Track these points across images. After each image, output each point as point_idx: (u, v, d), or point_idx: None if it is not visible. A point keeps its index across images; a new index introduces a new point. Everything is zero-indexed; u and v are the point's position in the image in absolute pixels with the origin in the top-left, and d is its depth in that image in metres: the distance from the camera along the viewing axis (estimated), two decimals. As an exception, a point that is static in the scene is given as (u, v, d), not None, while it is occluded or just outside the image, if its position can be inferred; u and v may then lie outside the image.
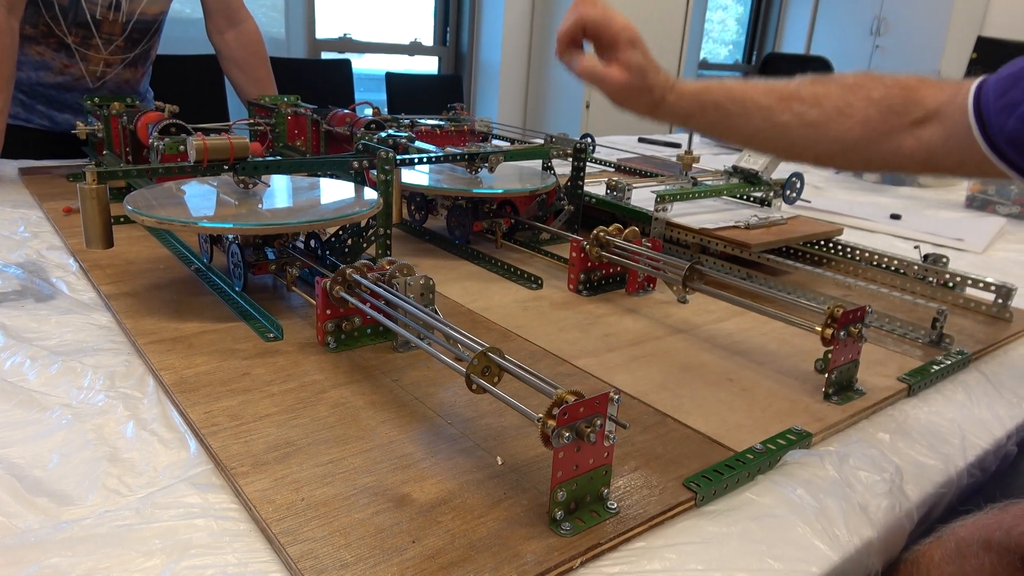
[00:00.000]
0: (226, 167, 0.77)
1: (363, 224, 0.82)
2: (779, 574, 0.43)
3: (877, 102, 0.63)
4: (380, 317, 0.63)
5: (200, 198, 0.79)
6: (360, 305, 0.64)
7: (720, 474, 0.50)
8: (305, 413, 0.56)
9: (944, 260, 0.93)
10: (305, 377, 0.61)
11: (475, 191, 0.97)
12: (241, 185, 0.80)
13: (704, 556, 0.44)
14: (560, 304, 0.82)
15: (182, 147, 0.89)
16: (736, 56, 5.05)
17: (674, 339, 0.74)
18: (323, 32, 3.26)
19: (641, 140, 2.26)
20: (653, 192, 1.01)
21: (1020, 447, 0.65)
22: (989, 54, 2.66)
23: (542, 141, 1.26)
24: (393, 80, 2.92)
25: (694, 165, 1.29)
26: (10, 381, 0.59)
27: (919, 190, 1.74)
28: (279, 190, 0.84)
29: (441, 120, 1.46)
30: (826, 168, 0.93)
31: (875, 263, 0.98)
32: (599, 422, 0.43)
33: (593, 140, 1.45)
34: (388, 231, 0.82)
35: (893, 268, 0.96)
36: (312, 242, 0.83)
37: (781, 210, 1.10)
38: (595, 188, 1.14)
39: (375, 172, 0.82)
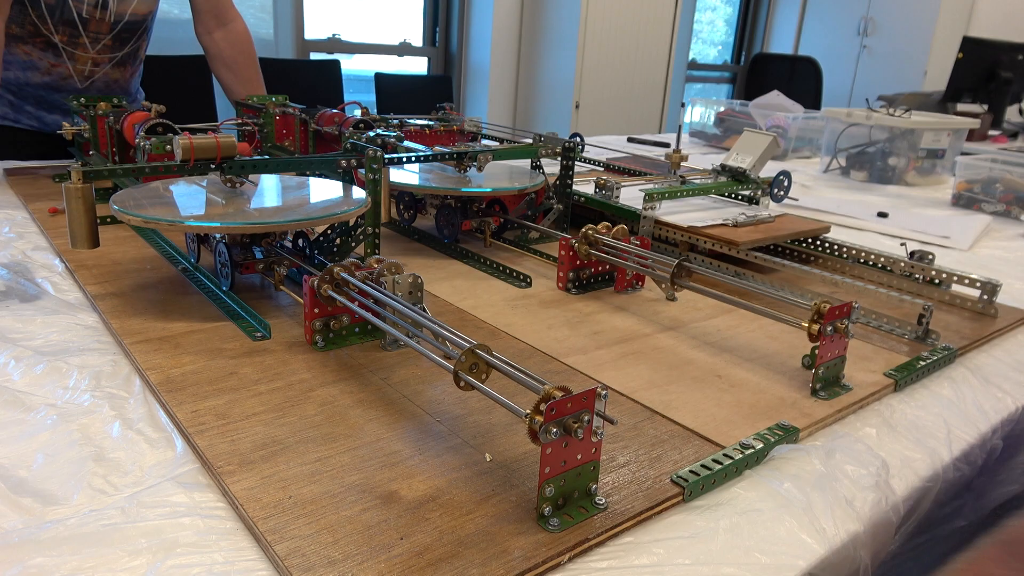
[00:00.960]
0: (213, 166, 0.77)
1: (351, 223, 0.81)
2: (766, 568, 0.43)
3: None
4: (368, 315, 0.63)
5: (187, 197, 0.79)
6: (348, 304, 0.64)
7: (708, 469, 0.50)
8: (292, 412, 0.56)
9: (930, 257, 0.93)
10: (293, 376, 0.61)
11: (464, 190, 0.97)
12: (228, 184, 0.80)
13: (692, 551, 0.44)
14: (549, 302, 0.82)
15: (169, 146, 0.89)
16: (725, 57, 5.07)
17: (663, 336, 0.74)
18: (312, 33, 3.25)
19: (630, 140, 2.27)
20: (642, 191, 1.02)
21: (1005, 441, 0.65)
22: (975, 54, 2.68)
23: (531, 141, 1.26)
24: (382, 81, 2.92)
25: (682, 164, 1.30)
26: (-6, 381, 0.59)
27: (906, 188, 1.75)
28: (267, 189, 0.84)
29: (430, 120, 1.46)
30: None
31: (862, 260, 0.99)
32: (586, 418, 0.43)
33: (582, 139, 1.45)
34: (376, 230, 0.82)
35: (880, 265, 0.97)
36: (300, 241, 0.83)
37: (769, 208, 1.11)
38: (584, 187, 1.14)
39: (363, 171, 0.82)
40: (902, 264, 0.94)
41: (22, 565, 0.40)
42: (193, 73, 2.21)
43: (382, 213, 0.82)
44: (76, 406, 0.56)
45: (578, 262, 0.85)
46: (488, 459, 0.51)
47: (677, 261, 0.75)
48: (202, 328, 0.70)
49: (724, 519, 0.47)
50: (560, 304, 0.82)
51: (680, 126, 1.31)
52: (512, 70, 3.68)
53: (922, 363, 0.71)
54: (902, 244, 0.99)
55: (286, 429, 0.53)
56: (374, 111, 1.82)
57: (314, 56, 3.26)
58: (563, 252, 0.85)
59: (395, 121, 1.34)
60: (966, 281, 0.89)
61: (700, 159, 1.88)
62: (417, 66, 3.75)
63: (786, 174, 1.14)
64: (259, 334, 0.69)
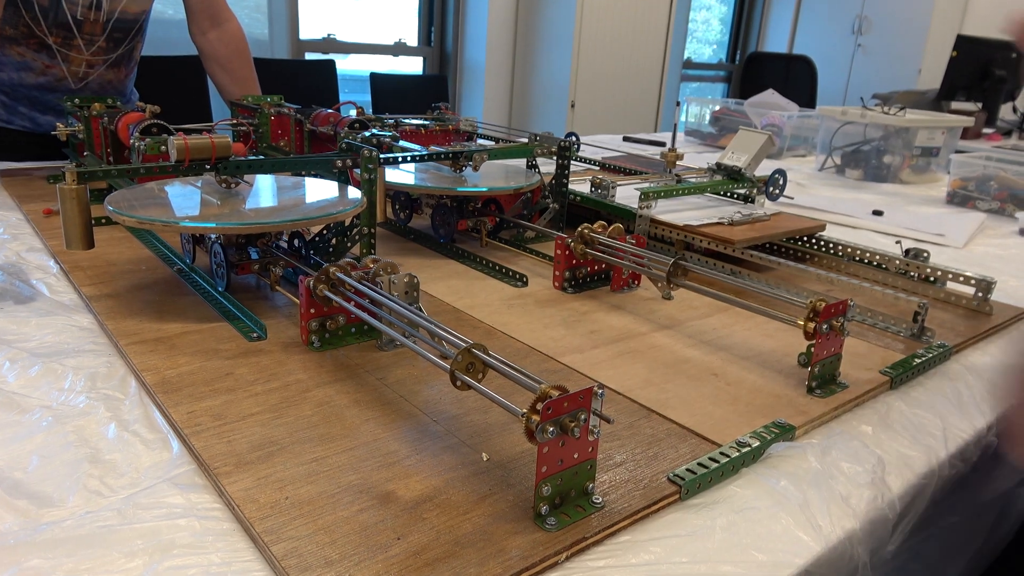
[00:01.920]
0: (208, 167, 0.77)
1: (347, 223, 0.81)
2: (763, 566, 0.43)
3: None
4: (364, 316, 0.62)
5: (182, 198, 0.79)
6: (344, 304, 0.64)
7: (704, 467, 0.51)
8: (289, 412, 0.55)
9: (925, 255, 0.93)
10: (289, 376, 0.61)
11: (460, 189, 0.97)
12: (224, 185, 0.79)
13: (689, 549, 0.44)
14: (545, 301, 0.82)
15: (163, 147, 0.89)
16: (720, 55, 5.08)
17: (659, 335, 0.75)
18: (307, 33, 3.25)
19: (626, 139, 2.27)
20: (637, 189, 1.02)
21: (1000, 438, 0.65)
22: (969, 52, 2.68)
23: (527, 140, 1.26)
24: (378, 80, 2.92)
25: (678, 162, 1.30)
26: (-11, 383, 0.59)
27: (901, 187, 1.76)
28: (262, 189, 0.84)
29: (426, 120, 1.46)
30: None
31: (857, 258, 0.99)
32: (583, 417, 0.43)
33: (578, 139, 1.45)
34: (372, 230, 0.82)
35: (875, 263, 0.97)
36: (296, 241, 0.83)
37: (764, 207, 1.11)
38: (580, 186, 1.14)
39: (359, 171, 0.82)
40: (897, 262, 0.94)
41: (18, 567, 0.40)
42: (188, 73, 2.21)
43: (378, 213, 0.82)
44: (71, 408, 0.56)
45: (574, 261, 0.85)
46: (485, 459, 0.50)
47: (673, 260, 0.75)
48: (198, 329, 0.69)
49: (721, 517, 0.47)
50: (556, 303, 0.82)
51: (676, 125, 1.31)
52: (507, 69, 3.68)
53: (918, 360, 0.71)
54: (897, 242, 0.99)
55: (282, 430, 0.53)
56: (370, 111, 1.82)
57: (309, 56, 3.25)
58: (559, 251, 0.85)
59: (390, 121, 1.34)
60: (961, 279, 0.89)
61: (695, 158, 1.88)
62: (412, 66, 3.74)
63: (781, 172, 1.14)
64: (255, 335, 0.68)
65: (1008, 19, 0.65)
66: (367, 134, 1.00)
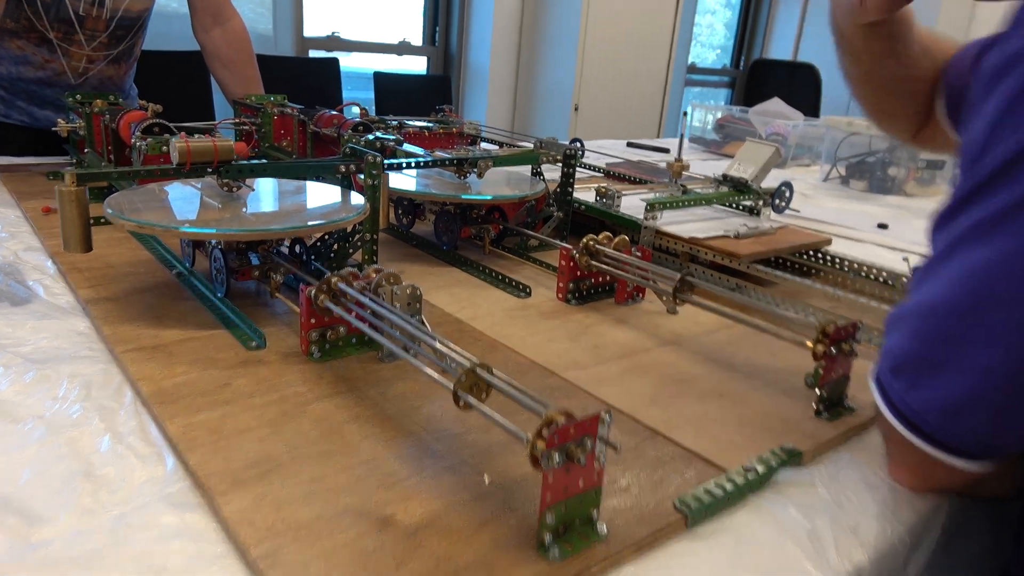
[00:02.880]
0: (209, 170, 0.76)
1: (349, 230, 0.80)
2: (771, 600, 0.42)
3: None
4: (365, 328, 0.61)
5: (183, 201, 0.77)
6: (345, 315, 0.63)
7: (711, 495, 0.49)
8: (287, 427, 0.54)
9: (933, 273, 0.92)
10: (288, 389, 0.60)
11: (464, 197, 0.95)
12: (225, 188, 0.78)
13: (695, 581, 0.43)
14: (549, 313, 0.81)
15: (165, 148, 0.88)
16: (724, 61, 5.07)
17: (664, 351, 0.73)
18: (311, 30, 3.23)
19: (630, 144, 2.26)
20: (643, 200, 1.01)
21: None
22: (975, 64, 2.67)
23: (531, 144, 1.25)
24: (381, 80, 2.91)
25: (683, 172, 1.29)
26: (-18, 390, 0.57)
27: (906, 199, 1.75)
28: (264, 193, 0.83)
29: (429, 122, 1.45)
30: None
31: (863, 274, 0.98)
32: (589, 443, 0.42)
33: (582, 144, 1.44)
34: (375, 237, 0.81)
35: (882, 279, 0.96)
36: (297, 247, 0.82)
37: (770, 219, 1.10)
38: (584, 194, 1.13)
39: (362, 176, 0.80)
40: (904, 279, 0.93)
41: (5, 589, 0.38)
42: (190, 69, 2.19)
43: (380, 219, 0.81)
44: (65, 417, 0.55)
45: (578, 273, 0.84)
46: (487, 481, 0.49)
47: (680, 275, 0.74)
48: (196, 336, 0.68)
49: (727, 547, 0.46)
50: (560, 315, 0.81)
51: (681, 135, 1.30)
52: (511, 71, 3.66)
53: (926, 383, 0.70)
54: (904, 259, 0.98)
55: (280, 446, 0.52)
56: (372, 110, 1.81)
57: (313, 53, 3.24)
58: (563, 263, 0.84)
59: (394, 123, 1.33)
60: (969, 298, 0.88)
61: (700, 165, 1.87)
62: (416, 65, 3.73)
63: (788, 185, 1.13)
64: (254, 343, 0.67)
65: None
66: (371, 137, 0.99)
